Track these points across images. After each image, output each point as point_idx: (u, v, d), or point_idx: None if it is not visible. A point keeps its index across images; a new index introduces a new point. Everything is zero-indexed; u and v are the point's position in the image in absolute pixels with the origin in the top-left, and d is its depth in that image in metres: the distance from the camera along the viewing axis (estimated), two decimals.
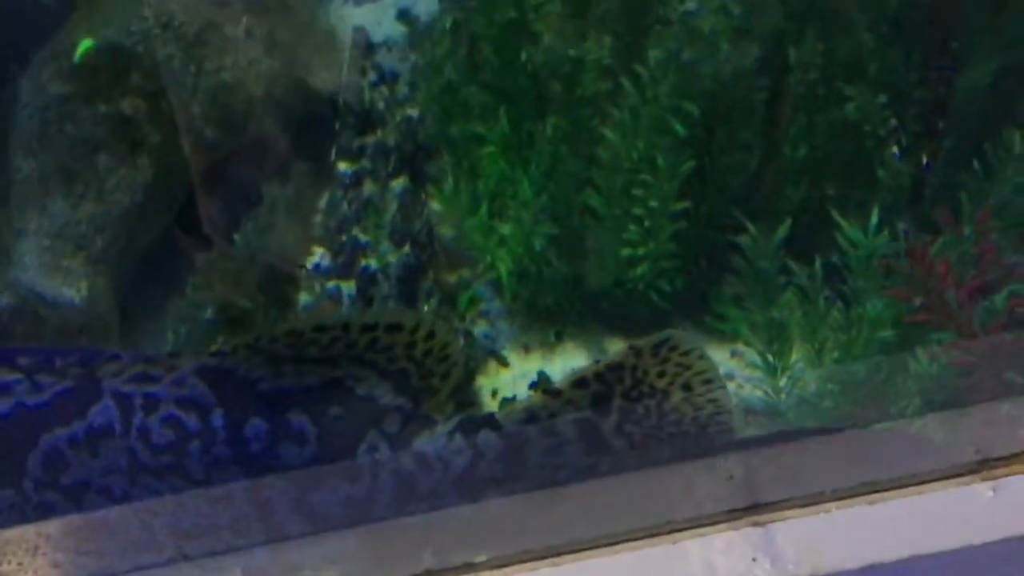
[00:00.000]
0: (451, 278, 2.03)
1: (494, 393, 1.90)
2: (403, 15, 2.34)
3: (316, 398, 1.02)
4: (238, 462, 0.99)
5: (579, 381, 1.09)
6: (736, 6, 1.73)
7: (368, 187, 2.20)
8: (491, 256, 1.94)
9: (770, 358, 1.81)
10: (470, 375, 1.88)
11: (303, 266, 1.93)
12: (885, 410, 1.30)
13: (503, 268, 1.92)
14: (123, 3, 2.27)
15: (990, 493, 1.04)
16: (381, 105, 2.46)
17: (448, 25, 1.96)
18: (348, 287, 2.00)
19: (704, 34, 1.73)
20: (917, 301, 1.57)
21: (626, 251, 1.93)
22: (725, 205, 2.03)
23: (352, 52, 2.67)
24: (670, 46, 1.75)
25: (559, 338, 2.02)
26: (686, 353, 1.12)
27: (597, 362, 1.12)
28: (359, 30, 2.72)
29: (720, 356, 1.99)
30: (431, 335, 1.05)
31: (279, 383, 1.01)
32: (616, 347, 1.97)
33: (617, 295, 2.00)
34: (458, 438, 1.04)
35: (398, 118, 2.40)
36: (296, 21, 2.68)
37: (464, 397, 1.84)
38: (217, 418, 0.99)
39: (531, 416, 1.08)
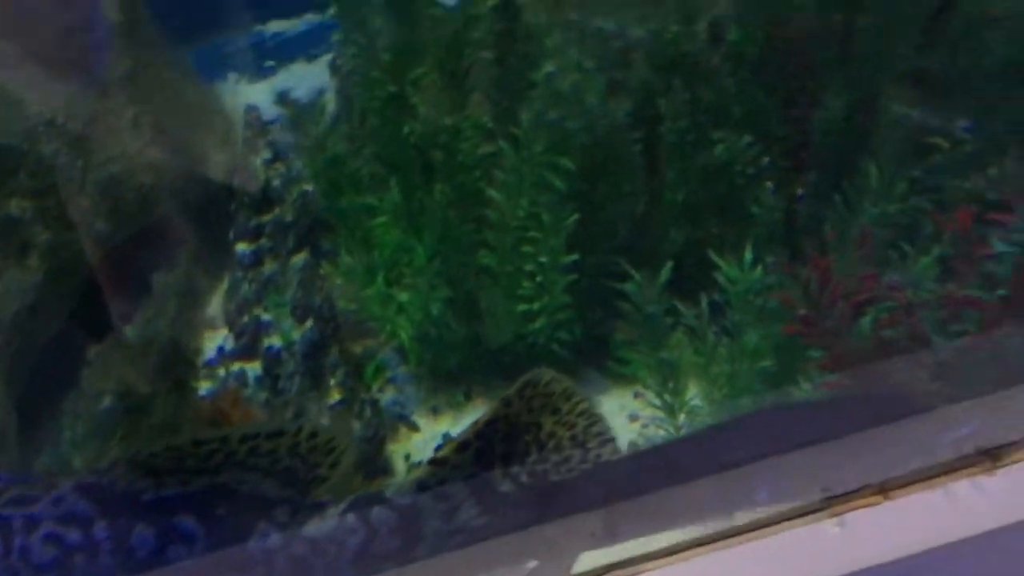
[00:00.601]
0: (357, 349, 2.07)
1: (406, 458, 1.94)
2: (281, 97, 2.39)
3: (201, 501, 1.04)
4: (127, 569, 1.01)
5: (461, 445, 1.14)
6: (591, 64, 1.83)
7: (269, 265, 2.22)
8: (391, 324, 1.98)
9: (667, 397, 1.89)
10: (380, 443, 1.91)
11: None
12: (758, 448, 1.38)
13: (404, 335, 1.97)
14: (4, 103, 2.27)
15: (836, 529, 1.12)
16: (277, 182, 2.49)
17: (328, 104, 2.02)
18: (253, 368, 2.02)
19: (566, 94, 1.83)
20: (800, 311, 1.66)
21: (522, 307, 2.00)
22: (613, 253, 2.12)
23: (245, 132, 2.70)
24: (538, 107, 1.84)
25: (467, 397, 2.07)
26: (547, 384, 1.17)
27: (475, 423, 1.17)
28: (251, 109, 2.76)
29: (624, 399, 2.06)
30: (314, 435, 1.08)
31: (161, 492, 1.03)
32: None
33: (519, 349, 2.06)
34: (350, 518, 1.07)
35: (295, 194, 2.43)
36: (185, 105, 2.70)
37: (376, 466, 1.87)
38: (100, 530, 1.01)
39: (422, 487, 1.13)
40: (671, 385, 1.88)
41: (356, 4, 2.14)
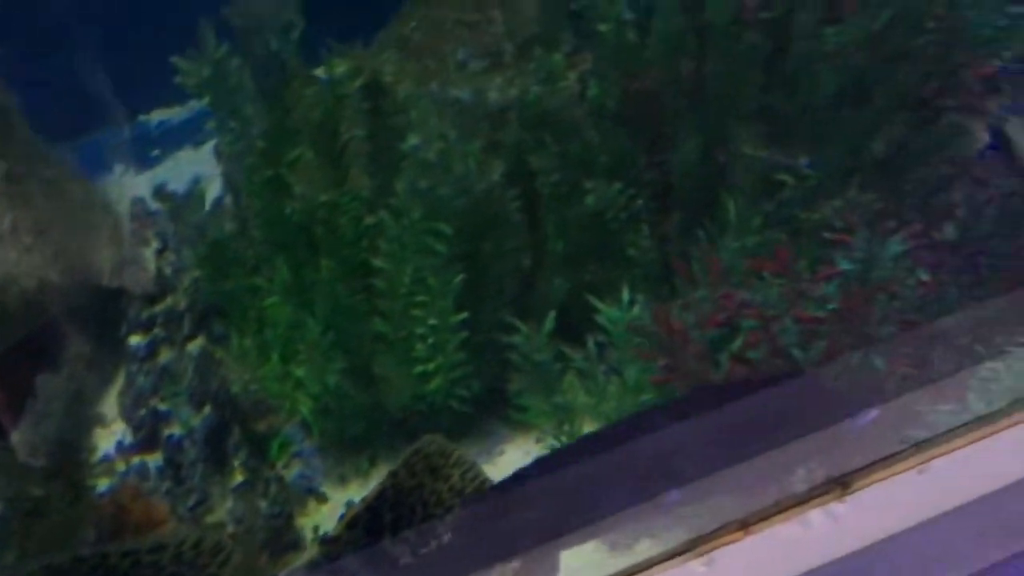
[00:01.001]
0: (260, 428, 2.09)
1: (315, 529, 1.96)
2: (158, 190, 2.43)
3: None
4: None
5: (351, 521, 1.19)
6: (453, 133, 1.93)
7: (164, 355, 2.24)
8: (291, 400, 2.02)
9: (563, 439, 1.97)
10: (288, 518, 1.93)
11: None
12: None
13: (305, 408, 2.01)
14: None
15: (703, 569, 1.19)
16: (168, 271, 2.51)
17: (207, 190, 2.07)
18: (154, 460, 2.02)
19: (432, 163, 1.92)
20: (661, 362, 1.77)
21: (418, 369, 2.06)
22: (502, 307, 2.20)
23: (132, 224, 2.71)
24: (410, 178, 1.93)
25: (372, 463, 2.11)
26: (428, 448, 1.23)
27: (364, 498, 1.22)
28: (137, 201, 2.77)
29: (527, 445, 2.14)
30: (199, 543, 1.11)
31: None
32: None
33: (420, 410, 2.12)
34: None
35: (186, 281, 2.45)
36: (68, 204, 2.70)
37: (285, 541, 1.89)
38: None
39: (313, 568, 1.17)
40: (566, 427, 1.96)
41: (227, 91, 2.20)
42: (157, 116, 3.72)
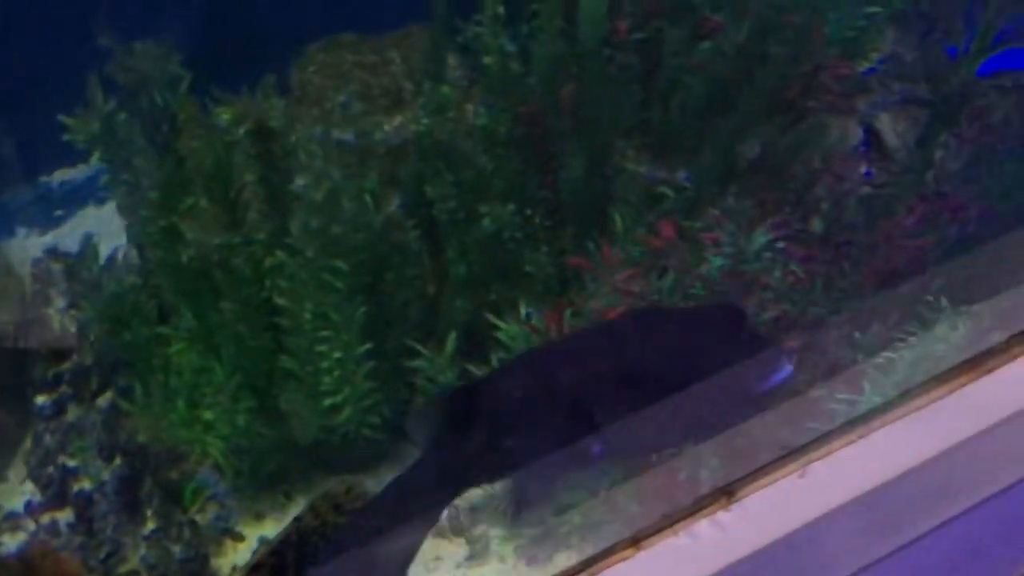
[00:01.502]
0: (173, 475, 2.10)
1: (233, 569, 1.97)
2: (51, 252, 2.44)
3: None
4: None
5: (254, 567, 1.23)
6: (337, 173, 1.99)
7: (72, 412, 2.23)
8: (201, 444, 2.04)
9: None
10: (204, 560, 1.94)
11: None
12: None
13: (215, 451, 2.03)
14: None
15: None
16: (74, 329, 2.51)
17: (99, 245, 2.09)
18: (66, 516, 2.02)
19: (320, 203, 1.98)
20: None
21: (327, 402, 2.10)
22: (408, 334, 2.26)
23: (34, 285, 2.71)
24: (301, 217, 1.99)
25: (288, 497, 2.14)
26: (335, 489, 1.28)
27: (268, 543, 1.26)
28: (38, 261, 2.76)
29: None
30: None
31: None
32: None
33: (333, 441, 2.15)
34: None
35: (93, 337, 2.45)
36: None
37: None
38: None
39: None
40: None
41: (117, 145, 2.22)
42: (59, 176, 3.70)
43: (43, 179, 3.64)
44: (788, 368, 1.38)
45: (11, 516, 2.02)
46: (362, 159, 2.22)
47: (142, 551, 1.89)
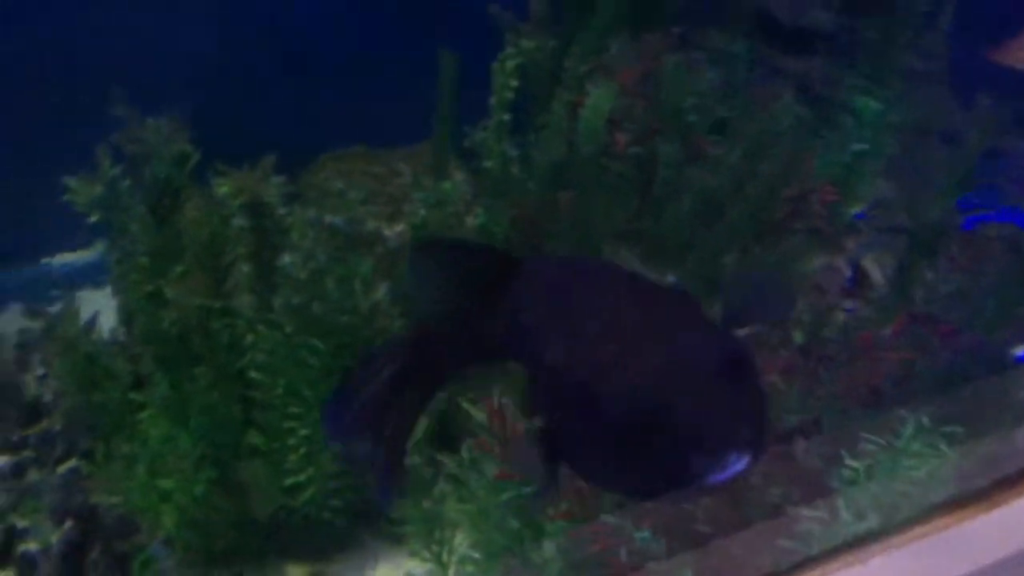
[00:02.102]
0: (124, 546, 2.02)
1: None
2: (29, 309, 2.45)
3: None
4: None
5: None
6: (323, 254, 2.01)
7: (32, 475, 2.17)
8: (155, 513, 1.97)
9: (435, 548, 1.94)
10: None
11: None
12: None
13: (169, 522, 1.95)
14: None
15: None
16: (48, 397, 2.49)
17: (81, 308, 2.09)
18: (6, 575, 1.93)
19: (304, 281, 1.99)
20: (496, 450, 1.80)
21: (290, 480, 2.04)
22: None
23: (17, 352, 2.70)
24: (284, 294, 1.99)
25: None
26: None
27: None
28: (25, 331, 2.77)
29: (400, 558, 2.10)
30: None
31: None
32: (298, 572, 2.04)
33: (294, 522, 2.08)
34: None
35: (66, 405, 2.42)
36: None
37: None
38: None
39: None
40: (438, 536, 1.94)
41: (118, 211, 2.25)
42: (60, 260, 3.78)
43: (44, 261, 3.71)
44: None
45: None
46: (352, 245, 2.24)
47: None
